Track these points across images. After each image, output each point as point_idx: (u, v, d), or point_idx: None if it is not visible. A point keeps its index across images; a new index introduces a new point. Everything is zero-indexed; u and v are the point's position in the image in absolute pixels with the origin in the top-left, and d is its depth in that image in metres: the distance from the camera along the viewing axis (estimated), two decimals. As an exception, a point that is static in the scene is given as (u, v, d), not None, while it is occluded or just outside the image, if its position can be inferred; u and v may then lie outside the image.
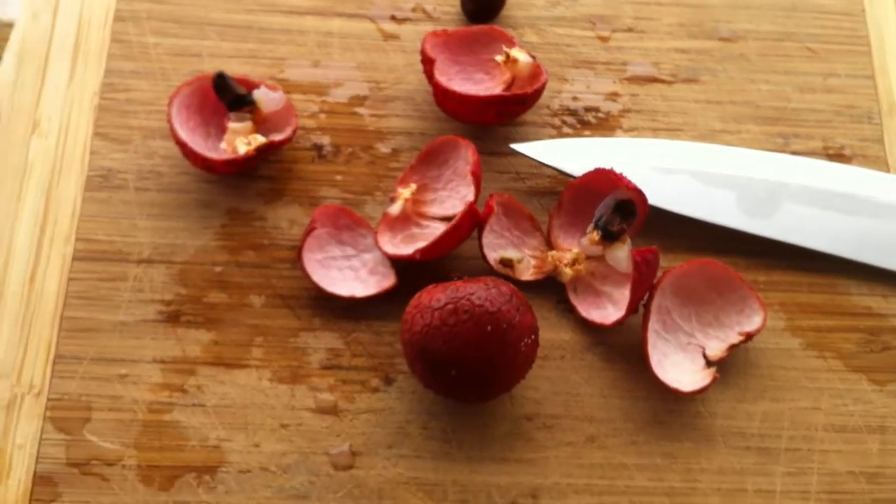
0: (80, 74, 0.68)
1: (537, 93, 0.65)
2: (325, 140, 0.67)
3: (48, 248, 0.63)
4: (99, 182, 0.64)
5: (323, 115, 0.68)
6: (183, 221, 0.64)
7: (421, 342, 0.55)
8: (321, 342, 0.61)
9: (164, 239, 0.63)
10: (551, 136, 0.68)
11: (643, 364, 0.61)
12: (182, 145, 0.62)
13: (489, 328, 0.54)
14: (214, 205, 0.65)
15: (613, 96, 0.70)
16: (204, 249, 0.63)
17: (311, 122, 0.68)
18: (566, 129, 0.69)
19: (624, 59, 0.72)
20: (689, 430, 0.60)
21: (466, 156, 0.63)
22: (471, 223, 0.61)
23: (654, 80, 0.71)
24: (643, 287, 0.59)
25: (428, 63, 0.66)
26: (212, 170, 0.63)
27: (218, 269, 0.63)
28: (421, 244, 0.62)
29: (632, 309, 0.60)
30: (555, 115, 0.69)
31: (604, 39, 0.72)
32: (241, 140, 0.63)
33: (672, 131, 0.69)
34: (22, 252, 0.62)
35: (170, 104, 0.63)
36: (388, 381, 0.61)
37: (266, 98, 0.64)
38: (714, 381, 0.59)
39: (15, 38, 0.69)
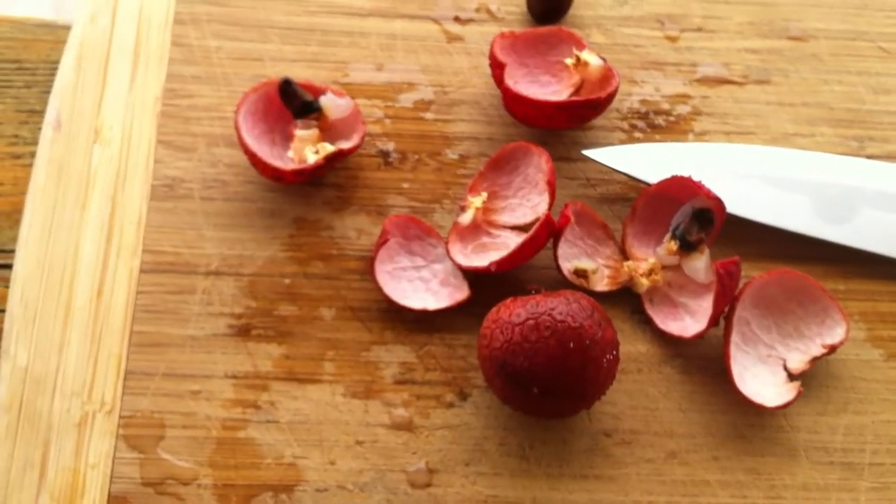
0: (140, 79, 0.67)
1: (610, 97, 0.63)
2: (391, 146, 0.66)
3: (115, 260, 0.62)
4: (164, 191, 0.63)
5: (388, 121, 0.67)
6: (250, 232, 0.63)
7: (501, 358, 0.54)
8: (393, 356, 0.60)
9: (232, 250, 0.62)
10: (621, 140, 0.67)
11: (721, 377, 0.59)
12: (251, 155, 0.61)
13: (572, 344, 0.53)
14: (281, 214, 0.63)
15: (683, 98, 0.69)
16: (272, 260, 0.62)
17: (375, 128, 0.66)
18: (636, 133, 0.67)
19: (693, 59, 0.70)
20: (772, 444, 0.59)
21: (539, 163, 0.62)
22: (547, 233, 0.59)
23: (725, 81, 0.69)
24: (725, 300, 0.58)
25: (497, 67, 0.64)
26: (280, 179, 0.62)
27: (287, 280, 0.62)
28: (493, 254, 0.61)
29: (713, 322, 0.58)
30: (624, 118, 0.68)
31: (672, 39, 0.71)
32: (309, 149, 0.62)
33: (744, 134, 0.68)
34: (88, 265, 0.61)
35: (237, 112, 0.61)
36: (463, 395, 0.59)
37: (333, 105, 0.63)
38: (799, 394, 0.57)
39: (73, 41, 0.68)
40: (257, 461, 0.57)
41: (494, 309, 0.56)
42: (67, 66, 0.67)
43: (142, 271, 0.61)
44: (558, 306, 0.54)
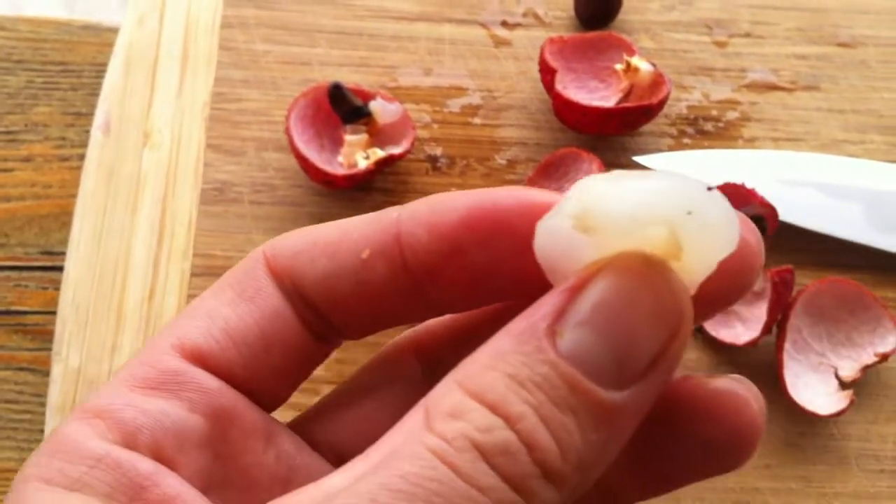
0: (189, 83, 0.67)
1: (662, 103, 0.63)
2: (439, 151, 0.66)
3: (166, 263, 0.62)
4: (214, 195, 0.63)
5: (436, 126, 0.66)
6: (299, 236, 0.63)
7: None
8: (444, 361, 0.60)
9: (281, 254, 0.62)
10: (669, 146, 0.67)
11: (773, 384, 0.59)
12: (302, 160, 0.61)
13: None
14: (329, 218, 0.62)
15: (732, 104, 0.68)
16: (321, 265, 0.62)
17: (424, 133, 0.66)
18: (685, 139, 0.67)
19: (742, 65, 0.70)
20: (823, 452, 0.59)
21: (590, 170, 0.61)
22: (599, 241, 0.59)
23: (774, 87, 0.69)
24: (779, 307, 0.58)
25: (548, 73, 0.64)
26: (331, 184, 0.62)
27: (336, 285, 0.62)
28: (542, 260, 0.60)
29: (767, 330, 0.58)
30: (673, 123, 0.67)
31: (721, 45, 0.70)
32: (360, 154, 0.62)
33: (793, 141, 0.67)
34: (139, 268, 0.61)
35: (288, 117, 0.61)
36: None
37: (383, 110, 0.63)
38: (852, 403, 0.57)
39: (121, 43, 0.68)
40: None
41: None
42: (116, 69, 0.67)
43: (192, 274, 0.61)
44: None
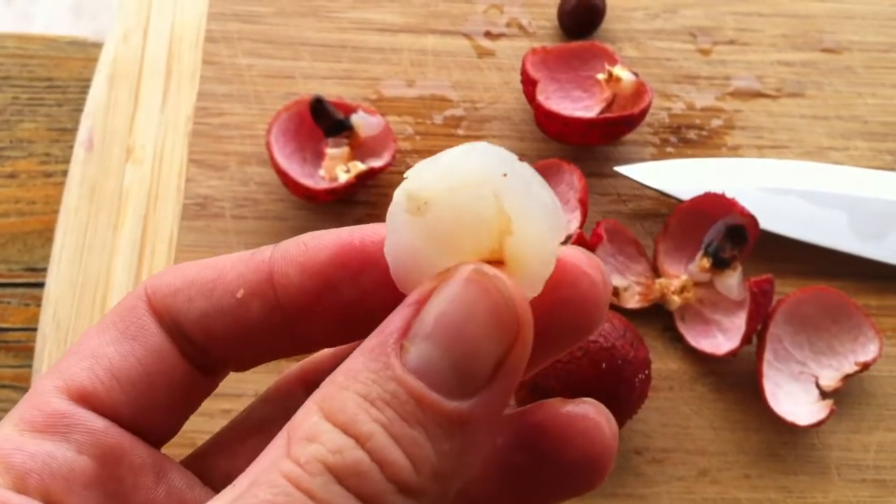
0: (173, 98, 0.67)
1: (643, 113, 0.63)
2: (422, 162, 0.66)
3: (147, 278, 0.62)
4: (196, 210, 0.64)
5: (419, 137, 0.67)
6: (281, 249, 0.63)
7: (532, 379, 0.54)
8: (425, 374, 0.60)
9: (264, 268, 0.62)
10: (653, 155, 0.67)
11: (754, 394, 0.59)
12: (283, 175, 0.61)
13: (604, 365, 0.53)
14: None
15: (716, 112, 0.68)
16: (304, 278, 0.62)
17: (406, 145, 0.66)
18: (668, 148, 0.67)
19: (727, 72, 0.70)
20: (804, 462, 0.59)
21: (571, 181, 0.61)
22: (579, 253, 0.59)
23: (759, 94, 0.69)
24: (759, 317, 0.58)
25: (529, 84, 0.64)
26: (312, 199, 0.62)
27: (318, 298, 0.62)
28: (524, 271, 0.61)
29: (747, 339, 0.58)
30: (656, 132, 0.67)
31: (705, 52, 0.70)
32: (340, 168, 0.62)
33: (778, 148, 0.67)
34: (120, 284, 0.62)
35: (269, 132, 0.62)
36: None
37: (364, 123, 0.63)
38: (832, 413, 0.57)
39: (105, 59, 0.68)
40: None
41: (526, 329, 0.56)
42: (99, 85, 0.67)
43: (175, 290, 0.62)
44: (590, 327, 0.54)
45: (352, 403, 0.26)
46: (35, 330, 0.61)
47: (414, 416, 0.26)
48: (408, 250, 0.28)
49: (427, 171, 0.28)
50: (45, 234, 0.65)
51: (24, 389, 0.60)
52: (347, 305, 0.31)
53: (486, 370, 0.27)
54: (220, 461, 0.36)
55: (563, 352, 0.32)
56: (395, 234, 0.28)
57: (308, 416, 0.26)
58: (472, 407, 0.27)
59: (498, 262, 0.28)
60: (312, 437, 0.26)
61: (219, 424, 0.54)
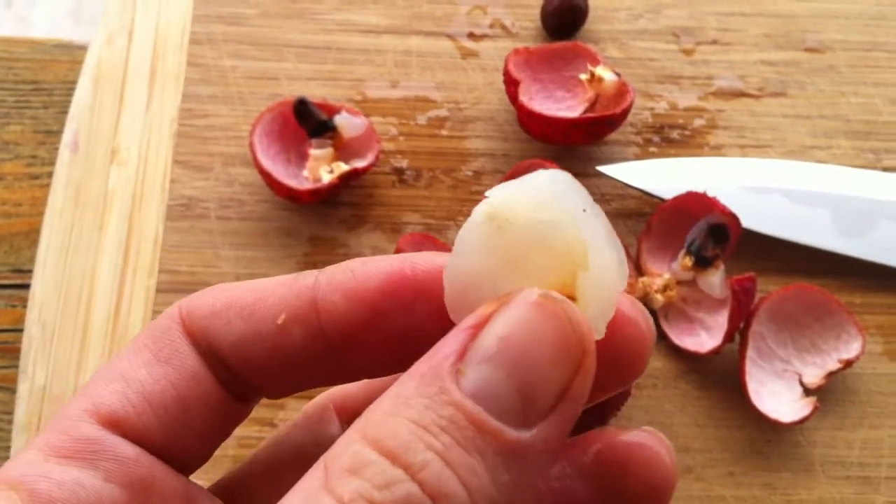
0: (157, 100, 0.67)
1: (625, 113, 0.63)
2: (405, 163, 0.66)
3: (131, 280, 0.62)
4: (180, 211, 0.64)
5: (402, 138, 0.67)
6: (265, 251, 0.63)
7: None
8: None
9: (247, 269, 0.62)
10: (636, 155, 0.67)
11: (738, 392, 0.59)
12: (266, 175, 0.61)
13: (586, 363, 0.53)
14: (296, 233, 0.64)
15: (699, 112, 0.69)
16: (288, 279, 0.62)
17: (390, 145, 0.66)
18: (651, 148, 0.67)
19: (709, 72, 0.70)
20: (788, 459, 0.59)
21: (554, 180, 0.61)
22: (561, 251, 0.59)
23: (741, 94, 0.69)
24: (741, 316, 0.58)
25: (512, 84, 0.64)
26: (295, 199, 0.62)
27: (303, 298, 0.62)
28: (507, 270, 0.61)
29: (729, 337, 0.58)
30: (639, 132, 0.67)
31: (688, 53, 0.71)
32: (324, 168, 0.62)
33: (760, 148, 0.68)
34: (105, 285, 0.62)
35: (252, 133, 0.62)
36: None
37: (348, 124, 0.63)
38: (815, 410, 0.57)
39: (90, 62, 0.68)
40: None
41: (509, 327, 0.56)
42: (84, 87, 0.68)
43: (158, 291, 0.62)
44: (572, 325, 0.54)
45: (403, 429, 0.24)
46: (21, 331, 0.61)
47: (473, 443, 0.24)
48: (473, 272, 0.27)
49: (511, 191, 0.27)
50: (32, 236, 0.65)
51: (11, 390, 0.60)
52: (394, 336, 0.30)
53: (551, 398, 0.26)
54: (251, 489, 0.35)
55: (604, 398, 0.31)
56: (462, 255, 0.27)
57: (349, 445, 0.25)
58: (533, 437, 0.25)
59: (567, 296, 0.27)
60: (356, 468, 0.24)
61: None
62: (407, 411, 0.25)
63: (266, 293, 0.31)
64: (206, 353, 0.31)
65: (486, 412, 0.25)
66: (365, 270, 0.30)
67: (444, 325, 0.28)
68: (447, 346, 0.26)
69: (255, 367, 0.31)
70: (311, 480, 0.24)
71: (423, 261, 0.30)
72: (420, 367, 0.26)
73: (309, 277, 0.31)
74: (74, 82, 0.69)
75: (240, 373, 0.31)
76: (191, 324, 0.31)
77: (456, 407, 0.25)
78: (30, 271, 0.63)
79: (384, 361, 0.31)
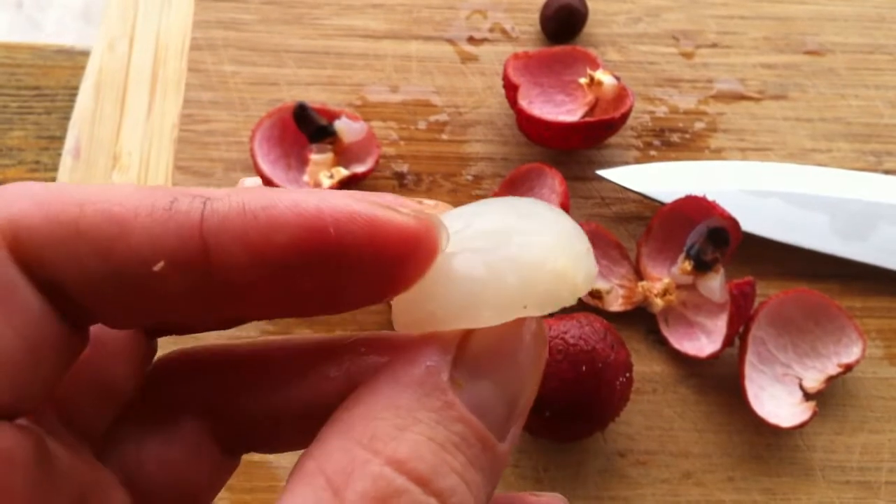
0: (158, 105, 0.68)
1: (624, 117, 0.63)
2: (406, 168, 0.66)
3: (133, 285, 0.62)
4: (181, 217, 0.64)
5: (402, 142, 0.67)
6: (266, 255, 0.63)
7: (514, 382, 0.54)
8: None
9: (249, 274, 0.63)
10: (636, 158, 0.67)
11: (737, 396, 0.59)
12: (267, 182, 0.61)
13: (584, 368, 0.53)
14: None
15: (699, 115, 0.69)
16: (288, 284, 0.62)
17: (390, 150, 0.67)
18: (651, 151, 0.67)
19: (709, 75, 0.70)
20: (788, 464, 0.59)
21: (553, 185, 0.62)
22: (560, 256, 0.59)
23: (742, 97, 0.69)
24: (740, 320, 0.58)
25: (511, 89, 0.64)
26: (295, 204, 0.62)
27: (303, 303, 0.62)
28: (507, 275, 0.61)
29: (728, 342, 0.58)
30: (639, 136, 0.68)
31: (688, 56, 0.71)
32: (323, 174, 0.62)
33: (761, 151, 0.67)
34: (108, 290, 0.62)
35: (252, 139, 0.62)
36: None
37: (348, 129, 0.63)
38: (814, 415, 0.57)
39: (91, 68, 0.69)
40: (273, 484, 0.58)
41: (508, 332, 0.57)
42: (86, 93, 0.68)
43: (160, 296, 0.62)
44: (570, 329, 0.54)
45: (426, 450, 0.23)
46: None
47: (479, 460, 0.24)
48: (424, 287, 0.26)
49: (461, 216, 0.27)
50: (33, 242, 0.65)
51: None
52: (300, 290, 0.26)
53: (526, 407, 0.26)
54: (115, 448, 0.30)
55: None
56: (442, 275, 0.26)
57: (365, 465, 0.23)
58: (505, 447, 0.25)
59: None
60: (385, 497, 0.22)
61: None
62: (417, 426, 0.24)
63: (129, 224, 0.24)
64: (44, 287, 0.24)
65: (485, 426, 0.25)
66: (270, 217, 0.24)
67: (361, 285, 0.26)
68: (435, 354, 0.25)
69: (111, 309, 0.25)
70: (312, 497, 0.22)
71: (347, 214, 0.25)
72: (409, 373, 0.25)
73: (192, 211, 0.24)
74: (77, 88, 0.69)
75: (91, 311, 0.25)
76: (22, 251, 0.24)
77: (465, 424, 0.24)
78: (32, 277, 0.63)
79: (283, 310, 0.27)
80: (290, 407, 0.31)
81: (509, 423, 0.26)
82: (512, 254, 0.26)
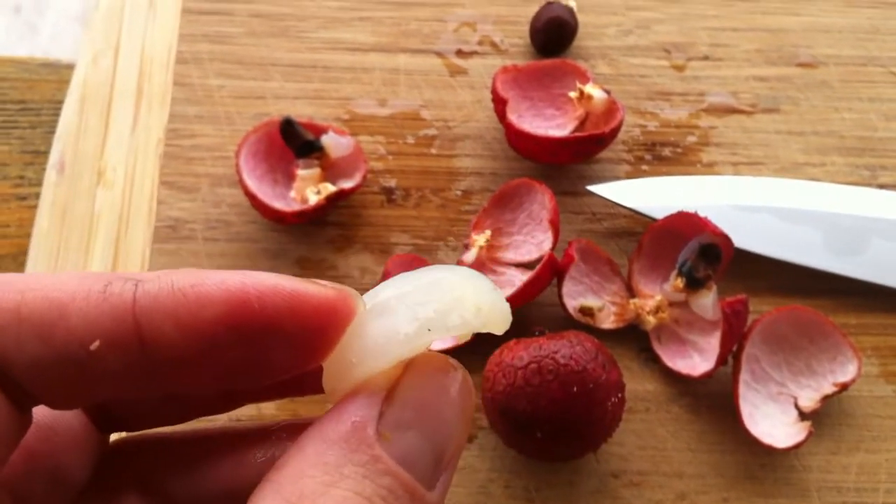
0: (143, 120, 0.67)
1: (615, 131, 0.62)
2: (394, 182, 0.65)
3: (117, 303, 0.61)
4: (167, 233, 0.63)
5: (391, 157, 0.66)
6: (252, 272, 0.62)
7: (504, 402, 0.53)
8: (398, 397, 0.59)
9: (234, 291, 0.62)
10: (627, 173, 0.66)
11: (731, 415, 0.58)
12: (252, 197, 0.60)
13: (575, 388, 0.52)
14: (284, 254, 0.63)
15: (691, 129, 0.68)
16: (275, 301, 0.61)
17: (378, 164, 0.66)
18: (643, 165, 0.66)
19: (701, 88, 0.69)
20: (783, 485, 0.58)
21: (543, 201, 0.61)
22: (550, 274, 0.59)
23: (733, 110, 0.68)
24: (733, 339, 0.57)
25: (500, 103, 0.63)
26: (282, 221, 0.61)
27: (290, 321, 0.61)
28: (497, 292, 0.60)
29: (721, 361, 0.57)
30: (630, 150, 0.67)
31: (679, 69, 0.70)
32: (310, 189, 0.61)
33: (753, 165, 0.67)
34: (91, 309, 0.61)
35: (238, 154, 0.61)
36: (468, 437, 0.59)
37: (335, 143, 0.62)
38: (810, 435, 0.56)
39: (76, 81, 0.68)
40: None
41: (497, 351, 0.56)
42: (70, 108, 0.67)
43: (145, 315, 0.61)
44: (561, 349, 0.53)
45: None
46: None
47: None
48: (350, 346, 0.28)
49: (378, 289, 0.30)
50: (19, 258, 0.65)
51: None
52: (231, 363, 0.27)
53: (455, 456, 0.26)
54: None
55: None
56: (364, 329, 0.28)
57: None
58: (436, 495, 0.26)
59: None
60: None
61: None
62: (344, 482, 0.24)
63: (67, 308, 0.25)
64: None
65: (413, 478, 0.25)
66: (198, 294, 0.26)
67: (288, 353, 0.27)
68: (361, 409, 0.26)
69: (54, 390, 0.27)
70: None
71: (270, 288, 0.27)
72: (336, 430, 0.26)
73: (125, 293, 0.26)
74: (62, 102, 0.68)
75: (34, 393, 0.26)
76: None
77: (392, 476, 0.25)
78: (15, 294, 0.62)
79: (215, 383, 0.28)
80: (220, 487, 0.32)
81: (438, 472, 0.26)
82: (419, 298, 0.28)
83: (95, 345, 0.25)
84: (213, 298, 0.26)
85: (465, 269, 0.30)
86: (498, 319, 0.29)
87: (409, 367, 0.27)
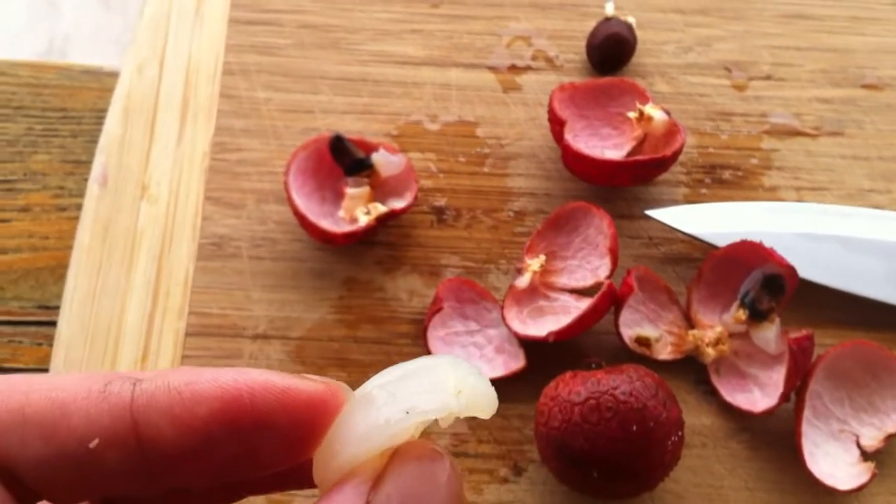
0: (189, 132, 0.65)
1: (676, 154, 0.60)
2: (444, 202, 0.64)
3: (160, 322, 0.60)
4: (211, 250, 0.61)
5: (441, 175, 0.64)
6: (298, 293, 0.61)
7: (559, 438, 0.51)
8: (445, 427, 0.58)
9: (280, 312, 0.60)
10: (685, 196, 0.64)
11: (791, 453, 0.56)
12: (301, 217, 0.59)
13: (635, 427, 0.50)
14: (330, 274, 0.61)
15: (752, 151, 0.66)
16: (321, 324, 0.60)
17: (428, 183, 0.64)
18: (702, 189, 0.64)
19: (762, 109, 0.67)
20: (843, 526, 0.56)
21: (601, 226, 0.59)
22: (608, 303, 0.57)
23: (797, 133, 0.66)
24: (797, 375, 0.55)
25: (557, 123, 0.61)
26: (331, 242, 0.60)
27: (336, 345, 0.60)
28: (550, 318, 0.58)
29: (785, 398, 0.55)
30: (688, 172, 0.65)
31: (740, 88, 0.68)
32: (360, 210, 0.60)
33: (817, 190, 0.64)
34: (133, 328, 0.60)
35: (286, 172, 0.59)
36: (518, 470, 0.57)
37: (386, 162, 0.61)
38: (873, 477, 0.54)
39: (120, 92, 0.66)
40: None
41: (553, 384, 0.54)
42: (114, 119, 0.65)
43: (187, 334, 0.60)
44: (621, 385, 0.51)
45: None
46: (47, 370, 0.59)
47: None
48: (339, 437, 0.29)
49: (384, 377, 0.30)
50: (58, 271, 0.63)
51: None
52: (227, 459, 0.28)
53: None
54: None
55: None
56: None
57: None
58: None
59: None
60: None
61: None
62: None
63: (68, 408, 0.27)
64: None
65: None
66: (193, 392, 0.28)
67: (279, 446, 0.28)
68: (347, 499, 0.26)
69: (58, 488, 0.28)
70: None
71: (261, 384, 0.28)
72: None
73: (123, 392, 0.28)
74: (103, 110, 0.67)
75: (38, 492, 0.28)
76: None
77: None
78: (56, 307, 0.61)
79: (211, 477, 0.29)
80: None
81: None
82: (400, 384, 0.29)
83: (95, 443, 0.27)
84: (207, 395, 0.28)
85: (450, 356, 0.31)
86: (482, 403, 0.29)
87: (395, 455, 0.28)
